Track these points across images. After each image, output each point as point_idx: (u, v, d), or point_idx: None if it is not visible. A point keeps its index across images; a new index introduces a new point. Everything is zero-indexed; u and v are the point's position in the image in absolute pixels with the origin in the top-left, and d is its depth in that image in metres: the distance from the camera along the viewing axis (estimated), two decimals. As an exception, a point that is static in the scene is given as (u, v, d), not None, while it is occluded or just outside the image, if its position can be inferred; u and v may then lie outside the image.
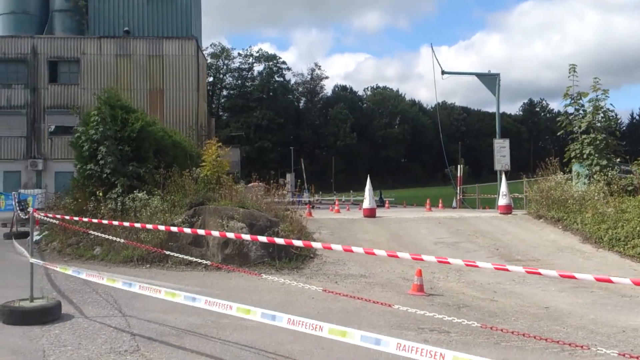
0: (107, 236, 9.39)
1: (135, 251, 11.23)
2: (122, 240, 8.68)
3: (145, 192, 12.99)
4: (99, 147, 13.53)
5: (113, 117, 13.98)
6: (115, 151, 13.59)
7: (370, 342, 4.29)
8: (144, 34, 35.12)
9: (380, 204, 34.80)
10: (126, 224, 7.03)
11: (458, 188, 28.75)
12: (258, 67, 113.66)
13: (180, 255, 8.01)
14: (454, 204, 30.00)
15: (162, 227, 6.99)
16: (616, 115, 17.80)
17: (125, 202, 12.91)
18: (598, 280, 4.01)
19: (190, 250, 11.04)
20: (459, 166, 31.45)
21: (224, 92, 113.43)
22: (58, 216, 8.70)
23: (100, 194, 13.05)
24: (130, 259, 11.31)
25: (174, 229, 6.95)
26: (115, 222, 7.32)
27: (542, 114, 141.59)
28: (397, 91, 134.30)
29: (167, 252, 8.50)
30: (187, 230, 6.37)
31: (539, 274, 4.30)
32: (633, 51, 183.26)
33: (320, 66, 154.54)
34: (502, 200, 17.06)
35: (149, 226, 6.99)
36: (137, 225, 7.34)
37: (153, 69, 34.68)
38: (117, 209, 12.88)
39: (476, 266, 4.52)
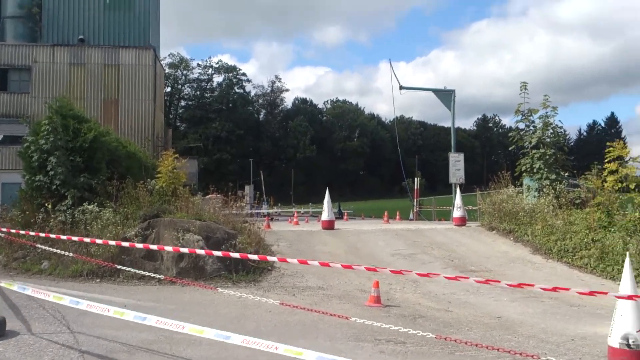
0: (55, 250, 9.12)
1: (85, 265, 10.91)
2: (71, 254, 8.44)
3: (96, 204, 12.68)
4: (49, 157, 13.15)
5: (65, 126, 13.63)
6: (66, 162, 13.23)
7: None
8: (99, 42, 34.48)
9: (339, 216, 34.87)
10: (75, 238, 6.85)
11: (415, 200, 29.08)
12: (217, 79, 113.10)
13: (133, 270, 7.84)
14: (411, 216, 30.31)
15: (112, 242, 6.82)
16: (565, 131, 18.41)
17: (75, 214, 12.57)
18: (545, 290, 4.11)
19: (143, 264, 10.81)
20: (415, 179, 31.80)
21: (182, 103, 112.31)
22: (4, 229, 8.42)
23: (50, 206, 12.66)
24: (79, 273, 10.97)
25: (125, 243, 6.81)
26: (64, 237, 7.12)
27: (495, 129, 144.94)
28: (357, 105, 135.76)
29: (119, 267, 8.30)
30: (139, 245, 6.25)
31: (489, 283, 4.38)
32: (581, 70, 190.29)
33: (280, 79, 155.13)
34: (457, 213, 17.35)
35: (99, 241, 6.82)
36: (87, 240, 7.14)
37: (108, 78, 34.03)
38: (66, 222, 12.51)
39: (429, 277, 4.57)
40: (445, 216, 25.73)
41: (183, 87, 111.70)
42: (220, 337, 4.69)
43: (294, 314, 7.81)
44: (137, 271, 8.22)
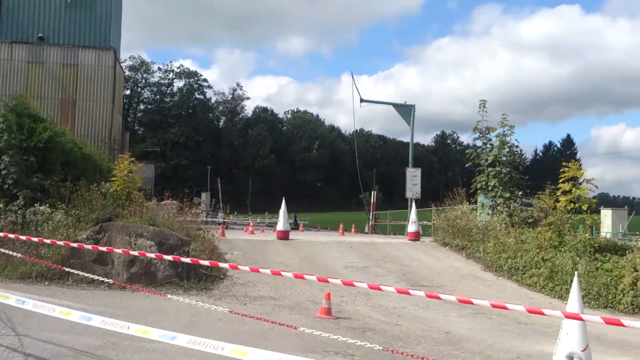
0: (4, 250, 8.88)
1: (34, 267, 10.63)
2: (19, 255, 8.23)
3: (48, 205, 12.39)
4: (1, 156, 12.82)
5: (19, 125, 13.30)
6: (19, 161, 12.91)
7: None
8: (59, 41, 33.75)
9: (295, 226, 34.86)
10: (23, 237, 6.69)
11: (371, 214, 29.33)
12: (178, 83, 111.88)
13: (82, 273, 7.69)
14: (366, 229, 30.55)
15: (61, 243, 6.70)
16: (521, 150, 18.90)
17: (27, 215, 12.25)
18: (494, 306, 4.22)
19: (93, 268, 10.59)
20: (372, 192, 32.09)
21: (142, 106, 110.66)
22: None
23: (1, 205, 12.33)
24: (28, 275, 10.68)
25: (74, 245, 6.68)
26: (12, 235, 6.95)
27: (453, 146, 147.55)
28: (317, 116, 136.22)
29: (68, 270, 8.12)
30: (88, 246, 6.15)
31: (439, 298, 4.48)
32: (539, 91, 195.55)
33: (242, 86, 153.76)
34: (412, 228, 17.58)
35: (47, 241, 6.68)
36: (35, 239, 6.99)
37: (66, 78, 33.27)
38: (17, 222, 12.19)
39: (380, 289, 4.64)
40: (400, 230, 26.07)
41: (143, 91, 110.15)
42: (165, 338, 4.65)
43: (244, 323, 7.79)
44: (87, 275, 8.05)
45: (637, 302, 10.43)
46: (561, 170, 13.89)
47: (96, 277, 8.34)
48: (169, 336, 4.62)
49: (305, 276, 4.81)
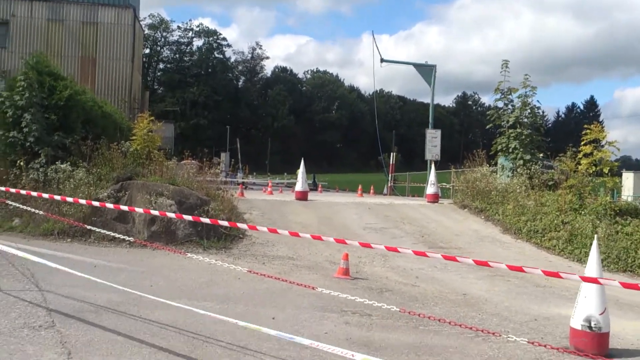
0: (27, 207, 9.02)
1: (56, 224, 10.83)
2: (42, 213, 8.36)
3: (69, 163, 12.52)
4: (23, 114, 12.91)
5: (40, 83, 13.36)
6: (40, 119, 13.01)
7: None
8: (78, -1, 33.60)
9: (314, 187, 34.93)
10: (45, 195, 6.78)
11: (390, 175, 29.26)
12: (197, 42, 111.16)
13: (104, 231, 7.79)
14: (385, 190, 30.53)
15: (83, 201, 6.77)
16: (543, 112, 18.57)
17: (48, 173, 12.40)
18: (511, 268, 4.20)
19: (114, 225, 10.75)
20: (392, 154, 31.93)
21: (161, 66, 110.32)
22: (-27, 184, 8.30)
23: (22, 163, 12.48)
24: (50, 232, 10.89)
25: (95, 203, 6.76)
26: (34, 193, 7.04)
27: (474, 107, 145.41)
28: (337, 76, 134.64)
29: (90, 227, 8.24)
30: (110, 205, 6.21)
31: (456, 260, 4.46)
32: (563, 51, 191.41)
33: (261, 46, 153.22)
34: (430, 189, 17.52)
35: (70, 199, 6.76)
36: (57, 197, 7.07)
37: (86, 36, 33.26)
38: (39, 180, 12.36)
39: (398, 251, 4.64)
40: (419, 192, 25.98)
41: (162, 50, 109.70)
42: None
43: (263, 282, 7.88)
44: (108, 232, 8.17)
45: (657, 266, 10.34)
46: (583, 132, 13.64)
47: (117, 235, 8.46)
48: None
49: (323, 237, 4.80)
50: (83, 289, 6.82)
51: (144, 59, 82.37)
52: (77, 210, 10.98)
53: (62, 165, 12.41)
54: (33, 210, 9.20)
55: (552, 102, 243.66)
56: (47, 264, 6.00)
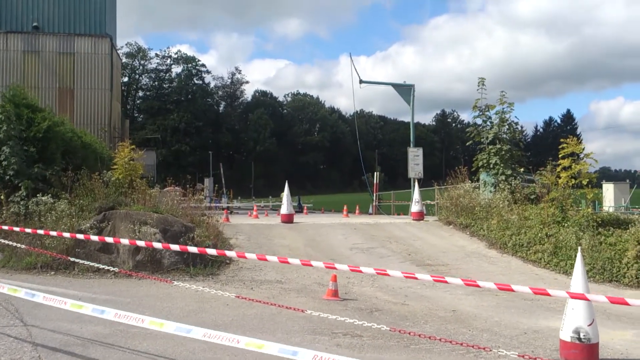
0: (8, 242, 8.88)
1: (39, 257, 10.65)
2: (24, 246, 8.23)
3: (50, 195, 12.38)
4: (1, 147, 12.79)
5: (18, 116, 13.26)
6: (19, 152, 12.89)
7: (287, 354, 4.29)
8: (54, 30, 33.51)
9: (299, 209, 34.93)
10: (28, 230, 6.68)
11: (374, 195, 29.32)
12: (176, 69, 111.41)
13: (88, 262, 7.69)
14: (370, 210, 30.57)
15: (67, 234, 6.68)
16: (521, 127, 18.83)
17: (29, 205, 12.25)
18: (500, 288, 4.20)
19: (98, 256, 10.61)
20: (375, 173, 32.05)
21: (140, 93, 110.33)
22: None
23: (2, 197, 12.32)
24: (33, 265, 10.70)
25: (80, 235, 6.67)
26: (17, 228, 6.94)
27: (454, 124, 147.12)
28: (317, 98, 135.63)
29: (73, 259, 8.13)
30: (95, 237, 6.13)
31: (445, 282, 4.46)
32: (537, 67, 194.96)
33: (240, 70, 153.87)
34: (415, 207, 17.58)
35: (53, 233, 6.67)
36: (40, 232, 6.97)
37: (63, 67, 33.13)
38: (20, 213, 12.20)
39: (387, 274, 4.63)
40: (404, 210, 26.05)
41: (141, 77, 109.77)
42: (180, 331, 4.64)
43: (252, 307, 7.81)
44: (93, 264, 8.06)
45: (642, 275, 10.43)
46: (560, 146, 13.84)
47: (102, 266, 8.35)
48: (185, 329, 4.60)
49: (312, 263, 4.78)
50: (69, 322, 6.71)
51: (123, 88, 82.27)
52: (60, 243, 10.82)
53: (43, 198, 12.27)
54: (15, 244, 9.07)
55: (529, 117, 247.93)
56: (33, 299, 5.89)
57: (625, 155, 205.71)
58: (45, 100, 29.37)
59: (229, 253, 6.12)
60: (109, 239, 5.92)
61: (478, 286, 4.28)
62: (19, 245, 7.98)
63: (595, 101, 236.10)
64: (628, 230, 11.52)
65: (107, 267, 8.70)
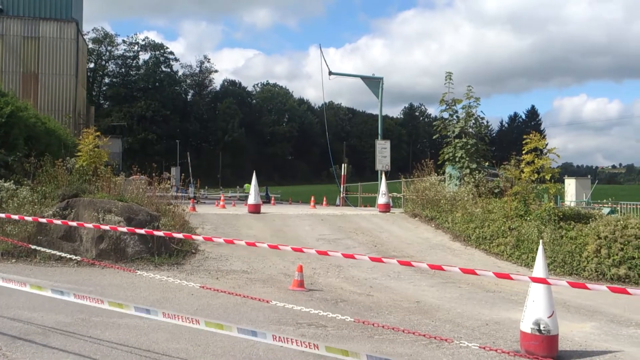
0: (-34, 229, 8.66)
1: (0, 245, 10.44)
2: (-17, 233, 8.03)
3: (13, 182, 12.11)
4: (-39, 132, 12.48)
5: (-21, 100, 12.95)
6: (-20, 137, 12.59)
7: (247, 334, 4.31)
8: (19, 13, 32.65)
9: (267, 200, 34.85)
10: (-12, 215, 6.53)
11: (342, 186, 29.44)
12: (144, 56, 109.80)
13: (50, 250, 7.55)
14: (338, 201, 30.68)
15: (29, 218, 6.57)
16: (487, 122, 19.17)
17: (-10, 192, 11.97)
18: (464, 271, 4.29)
19: (61, 244, 10.43)
20: (343, 165, 32.14)
21: (106, 80, 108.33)
22: None
23: (-39, 182, 12.02)
24: (-7, 253, 10.49)
25: (43, 220, 6.55)
26: (-24, 214, 6.79)
27: (421, 118, 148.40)
28: (286, 89, 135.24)
29: (35, 247, 7.97)
30: (58, 222, 6.03)
31: (411, 265, 4.53)
32: (502, 63, 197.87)
33: (209, 59, 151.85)
34: (382, 199, 17.72)
35: (15, 217, 6.54)
36: (2, 215, 6.83)
37: (27, 51, 32.34)
38: (-20, 200, 11.91)
39: (355, 258, 4.68)
40: (371, 202, 26.22)
41: (107, 64, 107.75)
42: (140, 312, 4.61)
43: (217, 297, 7.79)
44: (55, 252, 7.92)
45: (600, 268, 10.73)
46: (523, 141, 14.10)
47: (64, 255, 8.20)
48: (143, 310, 4.58)
49: (280, 247, 4.80)
50: (29, 310, 6.60)
51: (89, 74, 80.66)
52: (22, 230, 10.60)
53: (5, 184, 11.99)
54: (-26, 231, 8.87)
55: (495, 113, 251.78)
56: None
57: (587, 152, 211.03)
58: (9, 85, 28.61)
59: (195, 237, 6.10)
60: (72, 223, 5.84)
61: (442, 269, 4.35)
62: (-22, 232, 7.79)
63: (559, 98, 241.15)
64: (589, 225, 11.83)
65: (69, 256, 8.55)
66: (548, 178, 13.66)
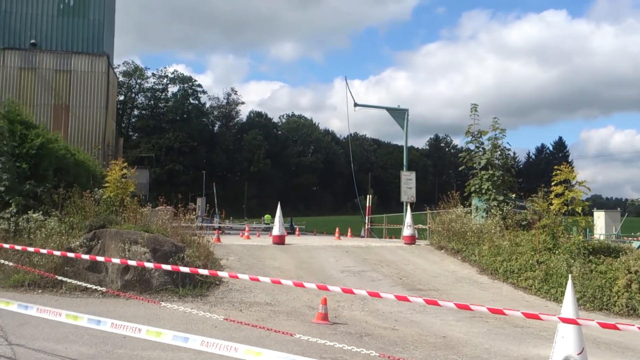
0: (-4, 259, 8.78)
1: (27, 275, 10.54)
2: (12, 264, 8.14)
3: (41, 212, 12.31)
4: (-7, 163, 12.76)
5: (11, 132, 13.25)
6: (11, 168, 12.84)
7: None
8: (52, 47, 33.64)
9: (291, 231, 34.81)
10: (18, 247, 6.62)
11: (366, 218, 29.29)
12: (172, 89, 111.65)
13: (76, 281, 7.61)
14: (362, 233, 30.50)
15: (57, 253, 6.63)
16: (513, 153, 19.09)
17: (19, 222, 12.16)
18: (491, 311, 4.19)
19: (87, 275, 10.52)
20: (368, 196, 32.03)
21: (135, 112, 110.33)
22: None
23: (-8, 213, 12.25)
24: (21, 283, 10.58)
25: (70, 254, 6.62)
26: (6, 245, 6.88)
27: (447, 149, 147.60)
28: (311, 120, 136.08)
29: (61, 278, 8.03)
30: (85, 256, 6.09)
31: (437, 304, 4.44)
32: (527, 95, 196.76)
33: (236, 91, 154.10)
34: (407, 231, 17.56)
35: (43, 251, 6.62)
36: (30, 249, 6.92)
37: (59, 84, 33.17)
38: (9, 230, 12.10)
39: (380, 296, 4.61)
40: (396, 234, 26.00)
41: (137, 96, 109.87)
42: (178, 340, 4.58)
43: (240, 330, 7.73)
44: (81, 283, 7.97)
45: (631, 304, 10.43)
46: (553, 173, 13.91)
47: (90, 286, 8.26)
48: (182, 338, 4.56)
49: (305, 284, 4.76)
50: (54, 342, 6.62)
51: (119, 106, 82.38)
52: (49, 261, 10.72)
53: (33, 215, 12.19)
54: (3, 261, 8.98)
55: (520, 144, 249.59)
56: (27, 313, 5.82)
57: (616, 184, 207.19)
58: (41, 117, 29.36)
59: (220, 273, 6.09)
60: (100, 258, 5.88)
61: (470, 309, 4.26)
62: (7, 262, 7.89)
63: (585, 129, 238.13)
64: (619, 259, 11.54)
65: (94, 287, 8.60)
66: (579, 210, 13.41)
